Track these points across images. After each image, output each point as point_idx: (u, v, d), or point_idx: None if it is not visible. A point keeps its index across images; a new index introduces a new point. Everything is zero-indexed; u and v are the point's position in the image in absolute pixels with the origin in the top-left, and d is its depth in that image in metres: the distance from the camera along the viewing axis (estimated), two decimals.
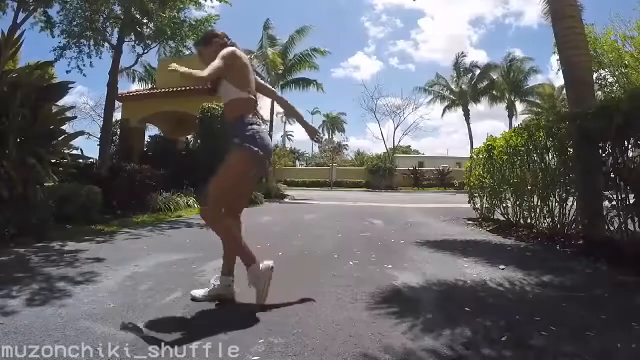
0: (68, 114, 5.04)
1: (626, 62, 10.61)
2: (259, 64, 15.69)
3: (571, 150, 3.70)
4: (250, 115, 1.98)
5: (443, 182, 24.14)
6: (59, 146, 4.65)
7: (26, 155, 4.03)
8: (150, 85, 15.84)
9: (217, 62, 1.87)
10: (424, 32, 76.37)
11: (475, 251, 3.44)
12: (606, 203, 3.12)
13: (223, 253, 2.05)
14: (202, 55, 2.10)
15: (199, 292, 2.03)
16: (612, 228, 3.11)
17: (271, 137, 16.19)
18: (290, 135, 47.45)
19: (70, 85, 4.89)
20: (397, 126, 29.67)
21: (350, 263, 2.92)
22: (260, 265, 1.93)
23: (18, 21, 6.68)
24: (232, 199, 2.02)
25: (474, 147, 11.42)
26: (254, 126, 1.95)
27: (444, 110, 27.16)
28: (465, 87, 26.06)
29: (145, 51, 9.30)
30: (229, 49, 1.98)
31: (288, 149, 38.78)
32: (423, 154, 40.48)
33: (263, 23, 15.97)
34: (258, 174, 2.15)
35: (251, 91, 2.04)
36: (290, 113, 2.44)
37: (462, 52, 27.37)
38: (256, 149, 1.89)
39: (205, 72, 1.84)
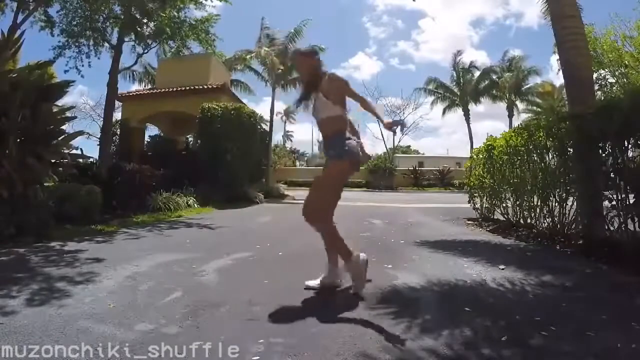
0: (68, 114, 5.03)
1: (626, 62, 10.61)
2: (259, 64, 15.66)
3: (571, 150, 3.70)
4: (346, 131, 2.27)
5: (443, 182, 24.10)
6: (59, 146, 4.65)
7: (26, 155, 4.03)
8: (149, 86, 15.84)
9: (348, 89, 2.27)
10: (424, 32, 76.47)
11: (475, 251, 3.44)
12: (606, 203, 3.12)
13: (327, 250, 2.31)
14: (296, 62, 2.48)
15: (312, 283, 2.27)
16: (612, 228, 3.11)
17: (271, 137, 16.29)
18: (290, 135, 47.50)
19: (70, 84, 4.90)
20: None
21: None
22: (360, 257, 2.20)
23: (18, 21, 6.69)
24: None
25: (474, 147, 11.41)
26: (351, 141, 2.23)
27: (444, 111, 27.11)
28: (466, 87, 26.00)
29: (146, 51, 9.32)
30: (335, 74, 2.28)
31: (288, 149, 38.78)
32: (423, 154, 40.47)
33: (260, 24, 15.90)
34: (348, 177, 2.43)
35: (346, 109, 2.31)
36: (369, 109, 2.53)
37: (459, 51, 27.19)
38: (354, 160, 2.20)
39: (362, 99, 2.28)
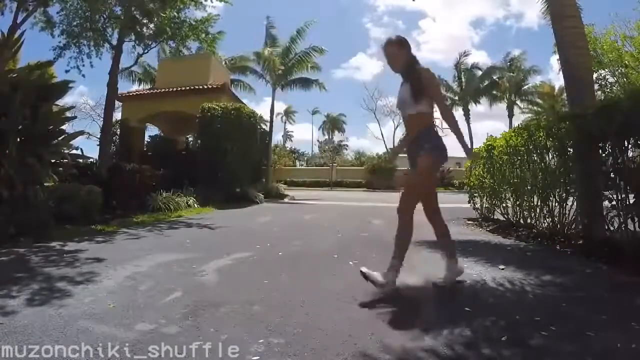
0: (68, 114, 5.04)
1: (626, 62, 10.61)
2: (260, 65, 15.62)
3: (571, 150, 3.70)
4: (434, 126, 2.34)
5: (443, 182, 24.10)
6: (59, 146, 4.65)
7: (26, 155, 4.03)
8: (148, 86, 15.84)
9: (440, 93, 2.35)
10: (425, 33, 76.23)
11: (475, 251, 3.44)
12: (606, 203, 3.11)
13: (442, 245, 2.43)
14: (389, 53, 2.29)
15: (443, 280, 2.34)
16: (612, 228, 3.11)
17: (271, 137, 16.29)
18: (290, 135, 47.51)
19: (70, 85, 4.90)
20: (397, 126, 29.76)
21: (350, 263, 2.92)
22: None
23: (18, 21, 6.70)
24: (426, 197, 2.34)
25: (474, 147, 11.38)
26: (438, 135, 2.31)
27: None
28: (467, 87, 26.04)
29: (146, 51, 9.33)
30: (430, 71, 2.25)
31: (288, 149, 38.80)
32: None
33: (265, 23, 15.87)
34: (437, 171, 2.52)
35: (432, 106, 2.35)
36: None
37: (465, 52, 27.43)
38: (444, 153, 2.26)
39: (448, 110, 2.33)
